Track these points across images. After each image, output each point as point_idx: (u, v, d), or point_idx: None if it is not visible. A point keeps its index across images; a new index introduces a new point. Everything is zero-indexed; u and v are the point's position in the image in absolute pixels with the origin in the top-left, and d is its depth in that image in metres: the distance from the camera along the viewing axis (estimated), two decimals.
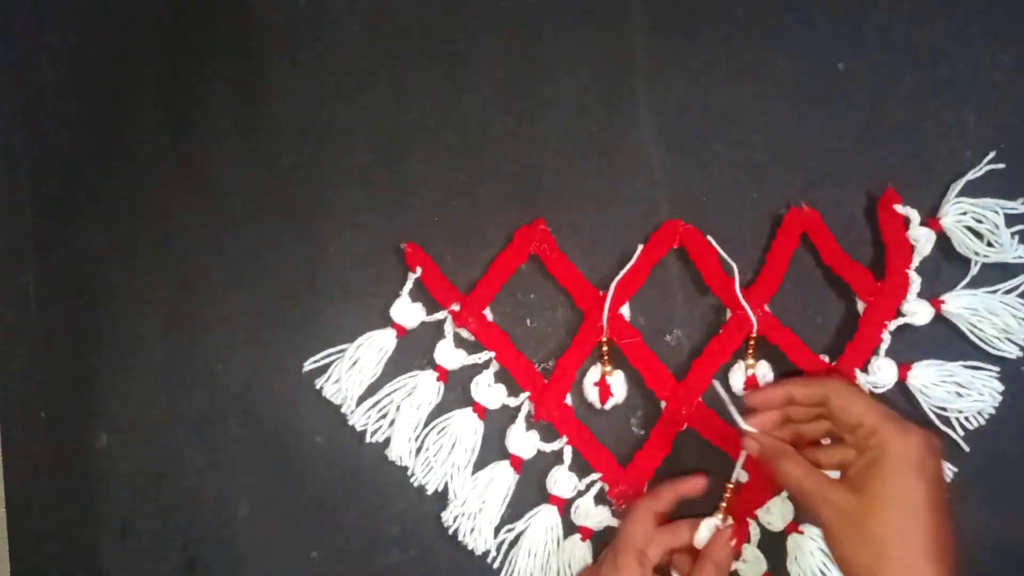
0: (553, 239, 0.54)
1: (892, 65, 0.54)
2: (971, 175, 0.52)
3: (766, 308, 0.53)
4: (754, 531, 0.53)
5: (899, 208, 0.52)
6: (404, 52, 0.57)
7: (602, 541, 0.54)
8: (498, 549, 0.55)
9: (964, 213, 0.52)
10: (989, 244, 0.52)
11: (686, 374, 0.54)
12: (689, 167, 0.54)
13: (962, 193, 0.52)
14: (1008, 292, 0.52)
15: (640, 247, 0.54)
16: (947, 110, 0.53)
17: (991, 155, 0.52)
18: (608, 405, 0.54)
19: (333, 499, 0.57)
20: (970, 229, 0.52)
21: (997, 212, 0.51)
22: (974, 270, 0.52)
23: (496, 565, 0.55)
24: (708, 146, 0.55)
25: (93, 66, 0.60)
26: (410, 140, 0.57)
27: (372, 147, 0.57)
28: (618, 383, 0.54)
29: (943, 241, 0.53)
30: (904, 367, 0.52)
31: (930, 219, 0.52)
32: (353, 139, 0.57)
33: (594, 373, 0.54)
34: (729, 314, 0.53)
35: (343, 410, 0.56)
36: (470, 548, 0.55)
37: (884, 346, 0.52)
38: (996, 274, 0.52)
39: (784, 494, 0.53)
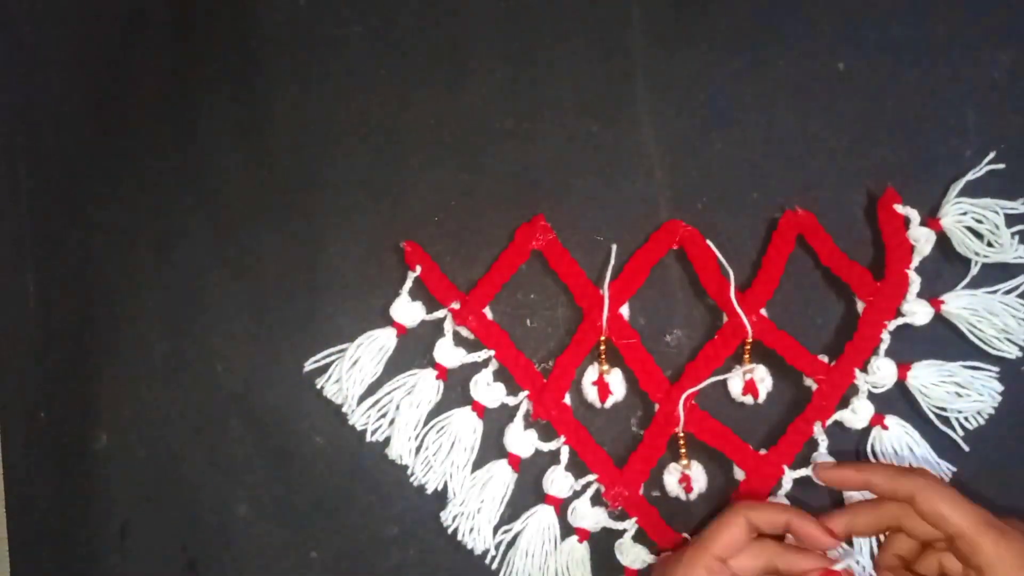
0: (555, 234, 0.56)
1: (892, 65, 0.54)
2: (971, 175, 0.53)
3: (762, 312, 0.53)
4: None
5: (899, 208, 0.53)
6: (404, 52, 0.58)
7: (601, 542, 0.55)
8: (496, 549, 0.56)
9: (964, 213, 0.53)
10: (989, 244, 0.52)
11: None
12: (689, 167, 0.55)
13: (962, 193, 0.53)
14: (1008, 292, 0.53)
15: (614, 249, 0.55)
16: (947, 110, 0.54)
17: (991, 155, 0.53)
18: (608, 404, 0.55)
19: (333, 499, 0.58)
20: (970, 229, 0.53)
21: (997, 212, 0.52)
22: (974, 270, 0.53)
23: (494, 566, 0.56)
24: (708, 146, 0.56)
25: (93, 66, 0.61)
26: (410, 140, 0.58)
27: (372, 147, 0.58)
28: (616, 381, 0.55)
29: (943, 241, 0.53)
30: (904, 367, 0.53)
31: (930, 219, 0.53)
32: (353, 139, 0.58)
33: (592, 372, 0.55)
34: (726, 318, 0.54)
35: (344, 410, 0.57)
36: (469, 548, 0.56)
37: (884, 346, 0.53)
38: (996, 274, 0.53)
39: (783, 493, 0.53)
